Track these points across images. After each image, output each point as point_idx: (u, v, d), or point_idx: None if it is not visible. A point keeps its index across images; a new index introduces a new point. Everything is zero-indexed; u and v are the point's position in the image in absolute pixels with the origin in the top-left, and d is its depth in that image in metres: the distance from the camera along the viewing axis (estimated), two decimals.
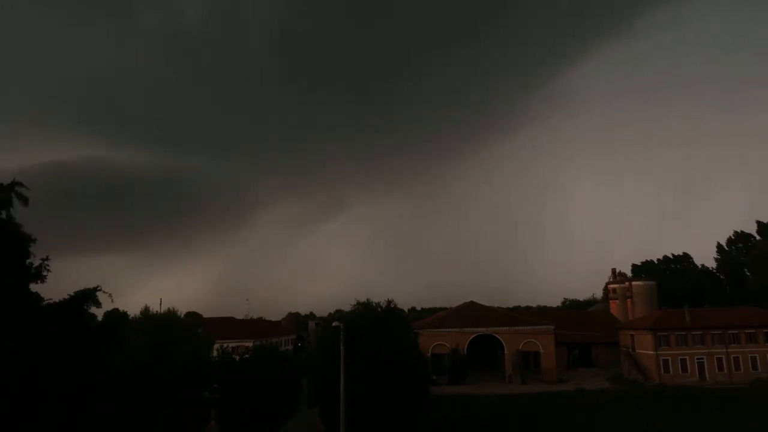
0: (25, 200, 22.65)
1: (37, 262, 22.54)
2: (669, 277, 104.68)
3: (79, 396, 21.10)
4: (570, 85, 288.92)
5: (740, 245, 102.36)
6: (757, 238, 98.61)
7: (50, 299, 23.08)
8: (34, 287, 22.64)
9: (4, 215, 22.09)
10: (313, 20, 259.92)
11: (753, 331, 67.15)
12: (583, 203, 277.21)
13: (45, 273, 22.59)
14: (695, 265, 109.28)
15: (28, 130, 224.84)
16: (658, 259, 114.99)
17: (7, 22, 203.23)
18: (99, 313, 25.71)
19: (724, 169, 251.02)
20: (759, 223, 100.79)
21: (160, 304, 39.45)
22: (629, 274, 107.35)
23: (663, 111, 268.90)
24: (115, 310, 26.46)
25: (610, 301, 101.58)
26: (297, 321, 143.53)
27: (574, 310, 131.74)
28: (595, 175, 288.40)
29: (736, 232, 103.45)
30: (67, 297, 23.17)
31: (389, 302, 36.96)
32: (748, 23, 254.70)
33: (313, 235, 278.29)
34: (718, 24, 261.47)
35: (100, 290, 23.66)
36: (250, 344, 55.88)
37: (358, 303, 37.18)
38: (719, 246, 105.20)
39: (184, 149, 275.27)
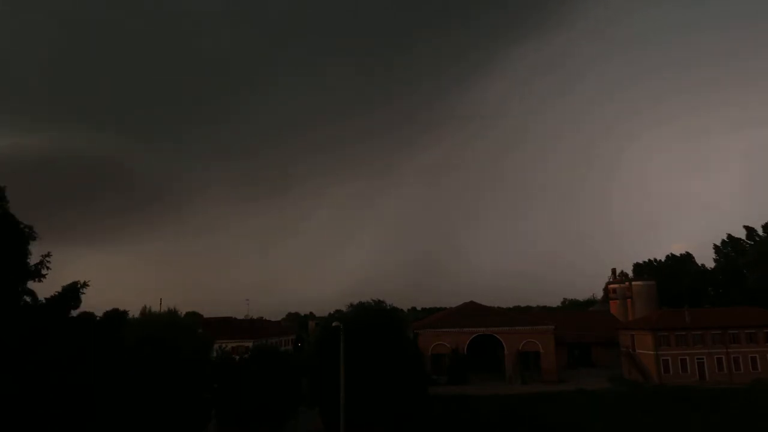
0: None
1: (36, 259, 21.28)
2: (669, 277, 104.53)
3: (81, 397, 21.02)
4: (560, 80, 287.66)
5: (739, 245, 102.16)
6: (750, 241, 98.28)
7: (49, 296, 21.75)
8: (32, 285, 21.52)
9: None
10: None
11: (753, 331, 67.14)
12: (583, 202, 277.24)
13: (45, 271, 21.37)
14: (696, 265, 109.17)
15: None
16: (658, 259, 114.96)
17: None
18: (94, 311, 24.86)
19: (724, 168, 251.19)
20: (747, 227, 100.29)
21: (160, 303, 39.56)
22: (630, 273, 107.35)
23: (661, 106, 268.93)
24: (115, 310, 25.97)
25: (610, 301, 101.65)
26: (297, 321, 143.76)
27: (574, 310, 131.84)
28: (594, 175, 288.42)
29: (735, 233, 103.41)
30: (55, 294, 21.89)
31: (379, 302, 37.22)
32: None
33: (313, 234, 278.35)
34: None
35: (87, 285, 22.41)
36: (250, 344, 55.95)
37: (352, 305, 37.52)
38: (719, 245, 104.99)
39: (181, 148, 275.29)
